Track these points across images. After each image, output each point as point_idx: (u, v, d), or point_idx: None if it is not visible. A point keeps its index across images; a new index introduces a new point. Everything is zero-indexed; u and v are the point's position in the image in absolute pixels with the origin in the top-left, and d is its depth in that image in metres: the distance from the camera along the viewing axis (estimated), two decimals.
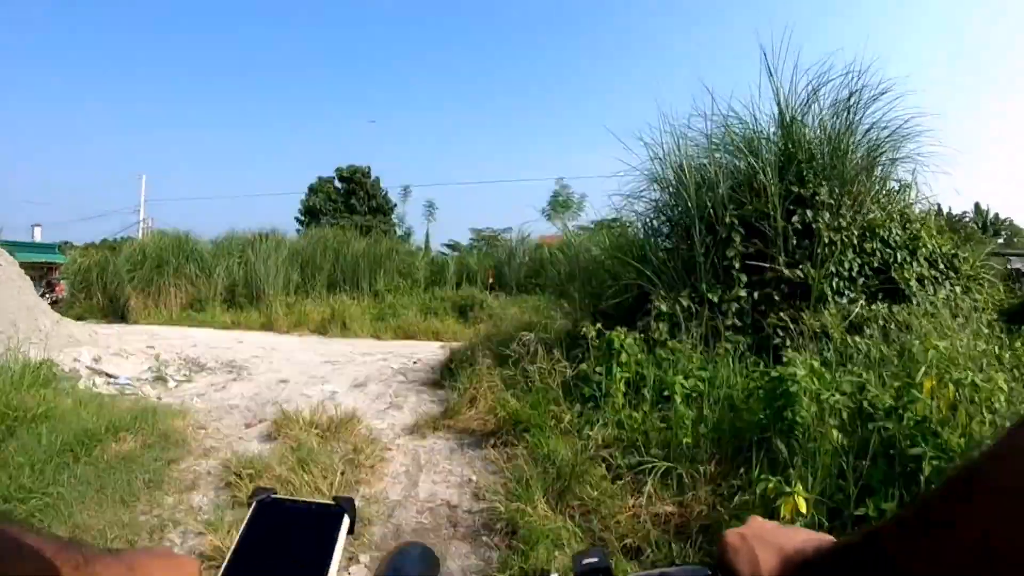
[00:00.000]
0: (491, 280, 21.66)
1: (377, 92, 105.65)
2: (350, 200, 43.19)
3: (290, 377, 10.09)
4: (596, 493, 4.59)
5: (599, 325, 6.72)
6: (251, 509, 0.95)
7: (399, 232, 39.53)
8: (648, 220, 8.63)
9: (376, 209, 43.25)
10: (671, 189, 8.12)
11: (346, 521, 0.95)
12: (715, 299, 6.93)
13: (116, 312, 21.41)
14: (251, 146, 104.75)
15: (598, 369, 6.34)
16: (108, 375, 9.33)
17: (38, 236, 42.33)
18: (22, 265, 11.04)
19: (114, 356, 10.42)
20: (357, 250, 22.43)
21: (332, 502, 0.97)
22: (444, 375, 9.24)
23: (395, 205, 44.19)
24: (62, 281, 24.89)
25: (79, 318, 20.24)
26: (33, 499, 4.87)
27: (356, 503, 0.97)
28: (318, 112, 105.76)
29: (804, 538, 0.79)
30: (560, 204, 37.07)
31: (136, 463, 5.72)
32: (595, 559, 0.85)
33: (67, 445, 5.76)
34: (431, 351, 12.75)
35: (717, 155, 7.90)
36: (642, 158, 8.37)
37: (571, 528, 4.25)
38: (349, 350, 13.69)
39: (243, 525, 0.93)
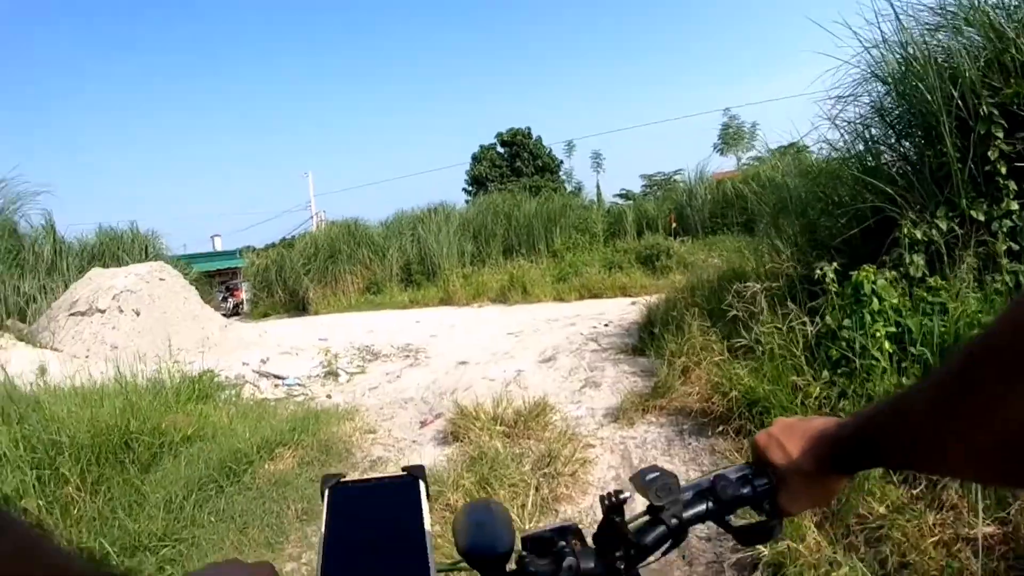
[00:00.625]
0: (674, 224, 19.70)
1: (522, 54, 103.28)
2: (515, 163, 42.22)
3: (470, 357, 8.96)
4: (882, 508, 3.20)
5: (835, 265, 4.99)
6: (326, 497, 0.94)
7: (569, 188, 38.15)
8: (864, 128, 6.52)
9: (542, 168, 42.11)
10: (899, 81, 6.00)
11: (422, 487, 0.95)
12: (981, 217, 4.93)
13: (297, 305, 21.96)
14: (409, 127, 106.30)
15: (846, 323, 4.62)
16: (276, 376, 8.61)
17: (218, 245, 44.37)
18: (205, 274, 10.79)
19: (283, 355, 9.76)
20: (529, 211, 21.14)
21: (404, 472, 0.98)
22: (645, 339, 7.75)
23: (561, 162, 43.09)
24: (243, 285, 25.94)
25: (264, 315, 22.08)
26: (165, 547, 3.92)
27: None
28: (470, 84, 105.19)
29: (820, 421, 0.84)
30: (731, 136, 34.99)
31: (290, 487, 4.75)
32: (656, 472, 0.84)
33: (213, 472, 4.84)
34: (621, 310, 11.49)
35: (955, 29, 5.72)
36: (842, 57, 6.23)
37: (854, 564, 2.90)
38: (532, 318, 12.55)
39: (324, 515, 0.92)
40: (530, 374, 7.53)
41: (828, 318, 4.80)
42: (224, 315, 19.38)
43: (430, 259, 20.85)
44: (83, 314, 10.03)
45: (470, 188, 42.32)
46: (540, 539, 0.84)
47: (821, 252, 5.87)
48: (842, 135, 6.60)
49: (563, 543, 0.83)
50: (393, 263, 21.53)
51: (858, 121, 6.41)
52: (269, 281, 23.41)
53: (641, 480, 0.84)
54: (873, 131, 6.37)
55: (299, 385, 8.21)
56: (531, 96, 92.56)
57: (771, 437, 0.87)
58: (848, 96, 6.32)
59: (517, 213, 21.20)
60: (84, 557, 0.63)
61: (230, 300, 25.51)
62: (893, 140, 6.26)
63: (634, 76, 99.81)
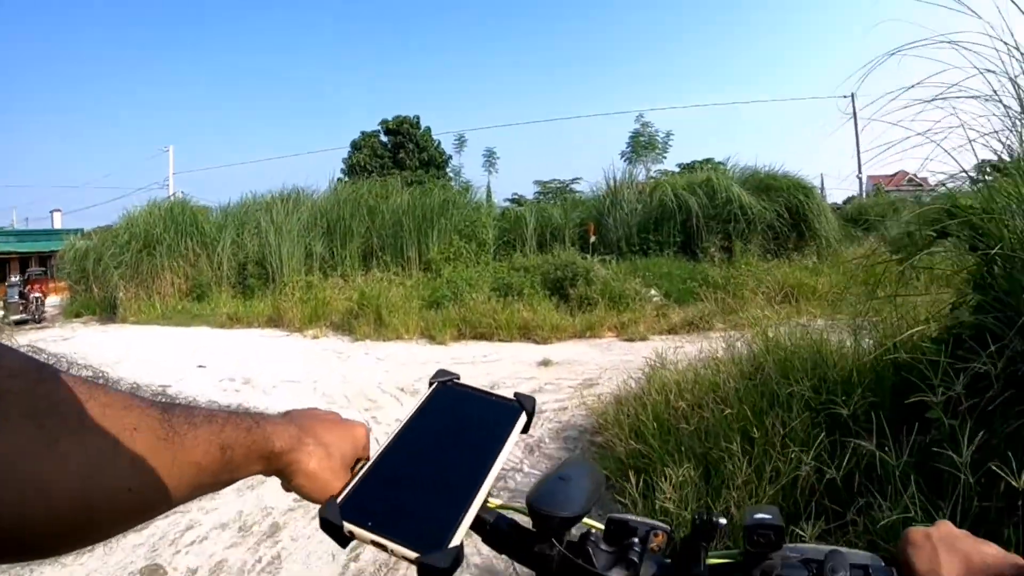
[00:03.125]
0: (593, 237, 15.13)
1: (417, 39, 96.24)
2: (398, 155, 38.04)
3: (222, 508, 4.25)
4: None
5: None
6: (431, 389, 0.90)
7: (456, 187, 33.73)
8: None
9: (428, 162, 37.96)
10: None
11: (523, 418, 0.87)
12: None
13: (109, 307, 17.83)
14: (291, 110, 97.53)
15: None
16: None
17: (58, 223, 37.94)
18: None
19: None
20: (400, 205, 16.36)
21: (513, 398, 0.90)
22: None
23: (450, 157, 39.22)
24: (54, 276, 21.20)
25: (77, 315, 18.52)
26: None
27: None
28: (357, 65, 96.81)
29: (994, 553, 0.71)
30: (642, 145, 31.62)
31: None
32: (768, 516, 0.76)
33: None
34: (528, 372, 7.75)
35: None
36: None
37: None
38: (382, 374, 8.17)
39: (419, 402, 0.88)
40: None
41: None
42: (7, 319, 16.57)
43: (271, 260, 16.24)
44: None
45: (345, 179, 37.37)
46: (623, 525, 0.80)
47: None
48: None
49: (639, 540, 0.78)
50: (225, 261, 17.14)
51: None
52: (86, 272, 18.89)
53: (748, 517, 0.77)
54: None
55: None
56: (423, 83, 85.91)
57: (928, 541, 0.73)
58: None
59: (384, 207, 16.40)
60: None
61: (30, 296, 19.30)
62: None
63: (540, 76, 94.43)
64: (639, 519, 0.80)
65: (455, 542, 0.70)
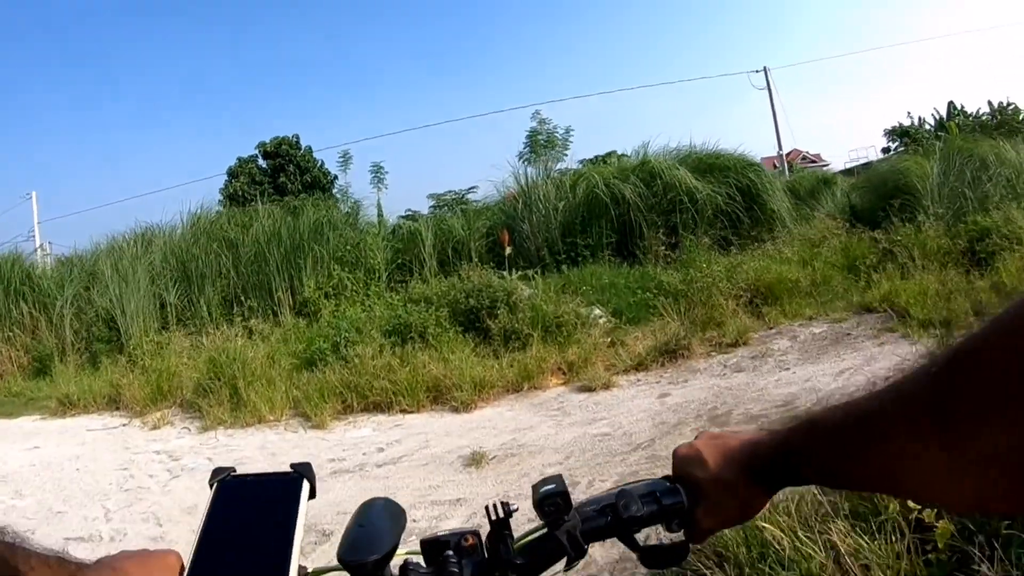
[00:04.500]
0: (507, 245, 11.93)
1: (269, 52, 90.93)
2: (279, 179, 35.02)
3: None
4: None
5: None
6: (212, 490, 0.89)
7: (345, 208, 30.69)
8: None
9: (311, 185, 35.02)
10: None
11: (306, 486, 0.88)
12: None
13: None
14: (158, 142, 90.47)
15: None
16: None
17: None
18: None
19: None
20: (262, 234, 13.35)
21: (291, 470, 0.90)
22: None
23: (335, 177, 35.67)
24: None
25: None
26: None
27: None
28: (222, 88, 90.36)
29: (750, 434, 0.82)
30: (540, 144, 29.30)
31: None
32: (552, 485, 0.85)
33: None
34: (453, 488, 5.35)
35: None
36: None
37: None
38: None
39: (206, 506, 0.87)
40: None
41: None
42: None
43: (118, 317, 13.01)
44: None
45: (221, 210, 34.04)
46: (435, 543, 0.84)
47: None
48: None
49: (453, 551, 0.83)
50: (67, 325, 13.68)
51: None
52: None
53: (536, 492, 0.85)
54: None
55: None
56: (301, 99, 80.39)
57: (693, 448, 0.85)
58: None
59: (244, 239, 13.36)
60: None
61: None
62: None
63: (425, 79, 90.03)
64: (448, 532, 0.84)
65: None
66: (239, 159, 36.31)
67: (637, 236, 12.33)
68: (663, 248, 11.91)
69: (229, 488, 0.89)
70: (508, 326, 8.70)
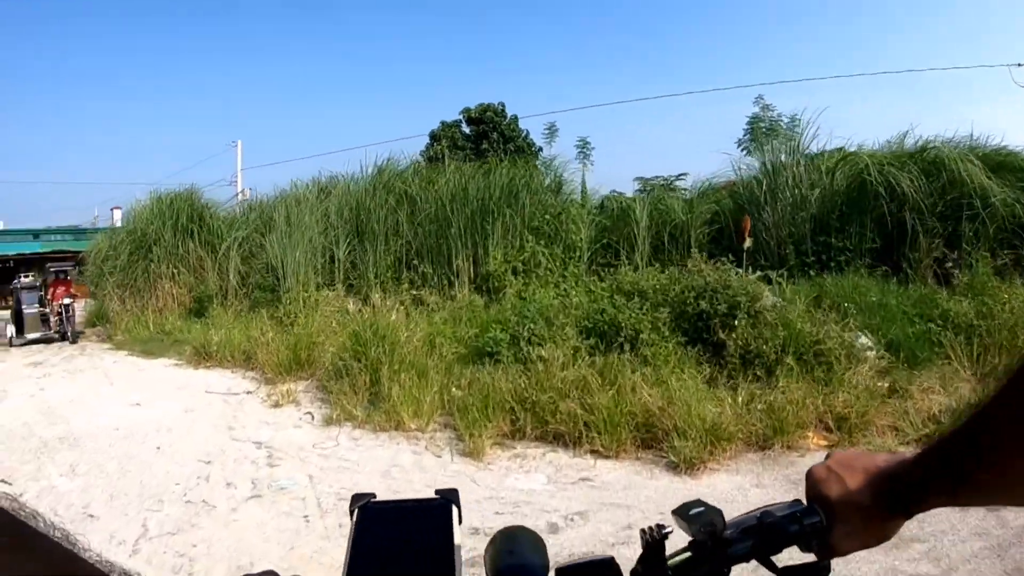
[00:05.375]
0: (748, 235, 9.26)
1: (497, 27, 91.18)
2: (481, 146, 33.35)
3: None
4: None
5: None
6: (355, 516, 0.90)
7: (547, 181, 28.85)
8: None
9: (515, 153, 33.17)
10: None
11: (455, 511, 0.91)
12: None
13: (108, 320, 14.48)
14: (371, 100, 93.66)
15: None
16: None
17: (118, 220, 36.18)
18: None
19: None
20: (448, 192, 11.38)
21: (436, 496, 0.94)
22: None
23: (540, 149, 33.49)
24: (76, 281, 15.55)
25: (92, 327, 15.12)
26: None
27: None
28: (439, 56, 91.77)
29: (886, 457, 0.79)
30: (763, 132, 26.12)
31: None
32: (701, 508, 0.79)
33: None
34: None
35: None
36: None
37: None
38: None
39: (351, 532, 0.88)
40: None
41: None
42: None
43: (280, 267, 11.87)
44: None
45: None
46: (576, 570, 0.80)
47: None
48: None
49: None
50: (231, 268, 13.02)
51: None
52: (103, 276, 15.00)
53: (684, 514, 0.80)
54: None
55: None
56: (507, 69, 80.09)
57: (828, 471, 0.81)
58: None
59: (426, 196, 11.45)
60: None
61: (51, 306, 14.07)
62: None
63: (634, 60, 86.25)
64: (586, 559, 0.80)
65: None
66: (442, 123, 35.47)
67: (906, 244, 9.37)
68: (949, 264, 8.86)
69: (371, 514, 0.90)
70: (749, 345, 6.22)
